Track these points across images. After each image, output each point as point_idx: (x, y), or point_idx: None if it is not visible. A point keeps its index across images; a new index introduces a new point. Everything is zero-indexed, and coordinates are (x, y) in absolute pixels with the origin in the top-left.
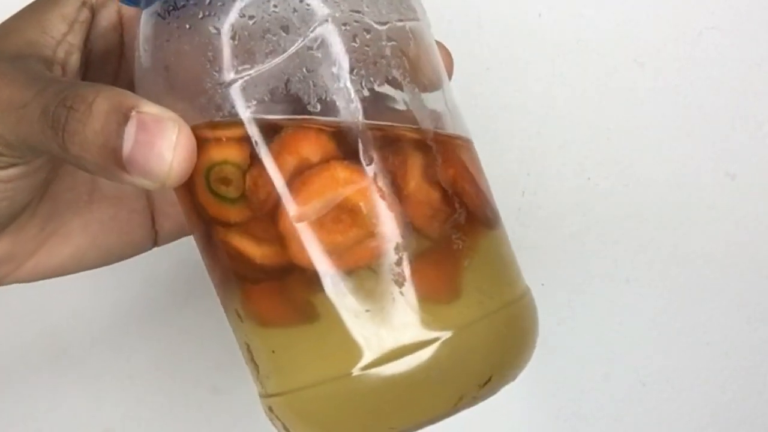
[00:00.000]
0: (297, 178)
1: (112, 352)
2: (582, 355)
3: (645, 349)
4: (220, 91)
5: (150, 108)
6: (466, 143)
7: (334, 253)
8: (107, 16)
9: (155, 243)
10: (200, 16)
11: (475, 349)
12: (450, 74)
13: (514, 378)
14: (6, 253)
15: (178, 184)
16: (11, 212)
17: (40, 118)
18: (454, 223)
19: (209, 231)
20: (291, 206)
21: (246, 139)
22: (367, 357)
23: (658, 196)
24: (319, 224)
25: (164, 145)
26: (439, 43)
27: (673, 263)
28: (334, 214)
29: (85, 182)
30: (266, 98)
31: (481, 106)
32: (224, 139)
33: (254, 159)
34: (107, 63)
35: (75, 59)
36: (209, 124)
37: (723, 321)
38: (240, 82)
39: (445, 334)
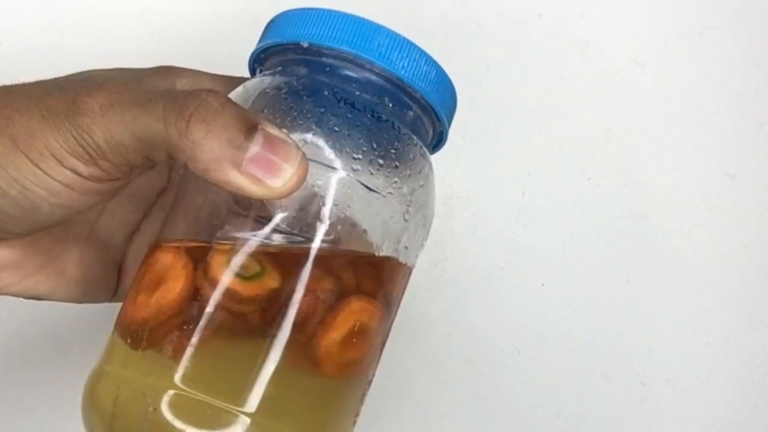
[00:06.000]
0: None
1: None
2: (582, 355)
3: (645, 349)
4: None
5: (273, 129)
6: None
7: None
8: None
9: (113, 296)
10: None
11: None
12: None
13: None
14: (17, 260)
15: (279, 198)
16: (54, 220)
17: (167, 106)
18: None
19: None
20: None
21: None
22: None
23: (658, 196)
24: None
25: (288, 163)
26: None
27: (673, 263)
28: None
29: (90, 221)
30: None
31: (481, 106)
32: None
33: None
34: None
35: None
36: None
37: (723, 321)
38: None
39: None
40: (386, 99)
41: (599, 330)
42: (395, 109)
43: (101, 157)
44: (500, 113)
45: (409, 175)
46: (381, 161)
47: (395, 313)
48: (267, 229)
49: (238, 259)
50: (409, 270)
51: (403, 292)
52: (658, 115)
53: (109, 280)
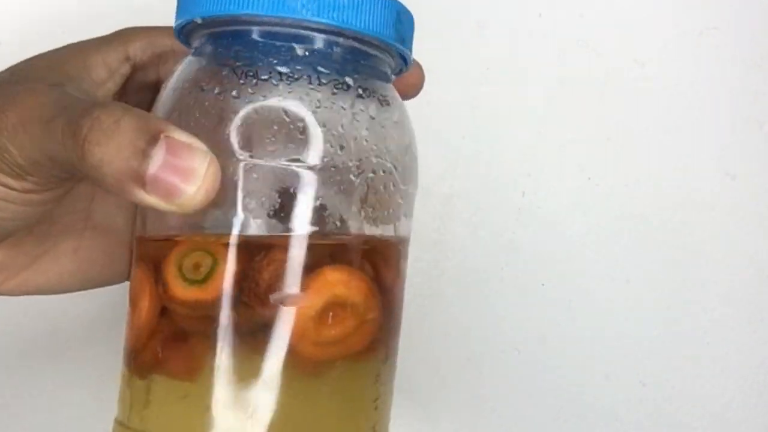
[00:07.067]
0: None
1: (112, 352)
2: (582, 355)
3: (645, 349)
4: None
5: (180, 135)
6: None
7: None
8: (146, 76)
9: (128, 277)
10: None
11: None
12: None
13: None
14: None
15: (193, 212)
16: (14, 230)
17: (64, 129)
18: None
19: None
20: None
21: None
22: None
23: (658, 196)
24: None
25: (194, 172)
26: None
27: (673, 263)
28: None
29: (83, 209)
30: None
31: (481, 106)
32: None
33: None
34: None
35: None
36: None
37: (723, 321)
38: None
39: None
40: (297, 49)
41: (599, 330)
42: (313, 56)
43: (26, 173)
44: (500, 113)
45: (343, 130)
46: (299, 132)
47: (396, 285)
48: (220, 225)
49: (187, 261)
50: (394, 237)
51: (396, 260)
52: (658, 115)
53: (116, 264)
